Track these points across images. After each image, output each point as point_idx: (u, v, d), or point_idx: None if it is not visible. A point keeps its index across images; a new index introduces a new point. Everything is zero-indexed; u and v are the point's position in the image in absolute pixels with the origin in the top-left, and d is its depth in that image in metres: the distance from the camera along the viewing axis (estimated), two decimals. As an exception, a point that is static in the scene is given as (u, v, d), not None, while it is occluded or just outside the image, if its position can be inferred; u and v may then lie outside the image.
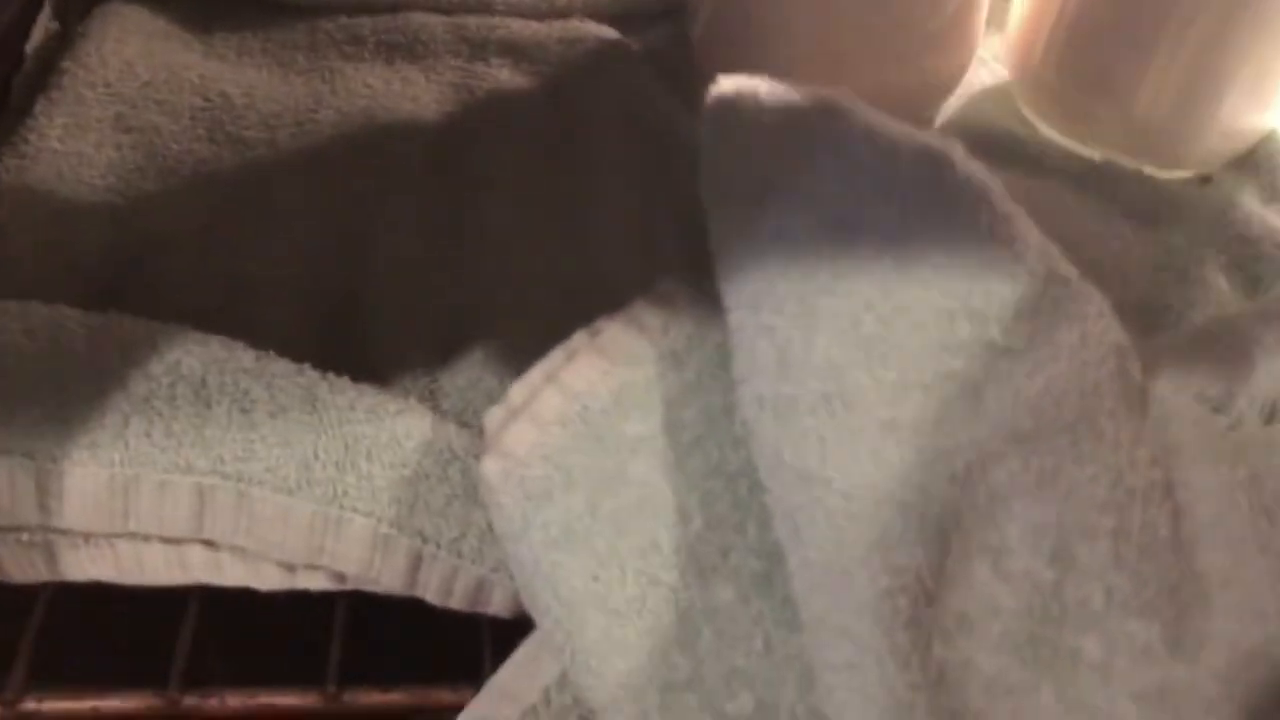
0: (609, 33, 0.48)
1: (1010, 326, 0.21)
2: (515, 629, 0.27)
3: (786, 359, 0.21)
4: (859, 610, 0.20)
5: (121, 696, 0.27)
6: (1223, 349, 0.27)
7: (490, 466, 0.24)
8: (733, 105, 0.25)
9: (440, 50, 0.47)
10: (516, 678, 0.26)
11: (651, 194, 0.41)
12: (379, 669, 0.29)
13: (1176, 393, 0.24)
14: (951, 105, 0.47)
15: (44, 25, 0.45)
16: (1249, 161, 0.44)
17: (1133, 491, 0.21)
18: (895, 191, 0.22)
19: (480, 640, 0.28)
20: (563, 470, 0.23)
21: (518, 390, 0.25)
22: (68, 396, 0.27)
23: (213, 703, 0.27)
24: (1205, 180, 0.43)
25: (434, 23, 0.48)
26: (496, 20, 0.48)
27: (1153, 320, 0.35)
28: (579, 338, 0.25)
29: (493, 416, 0.25)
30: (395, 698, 0.28)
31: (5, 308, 0.29)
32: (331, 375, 0.28)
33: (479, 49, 0.47)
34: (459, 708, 0.27)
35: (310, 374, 0.28)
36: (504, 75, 0.46)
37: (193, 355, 0.28)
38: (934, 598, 0.20)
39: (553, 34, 0.48)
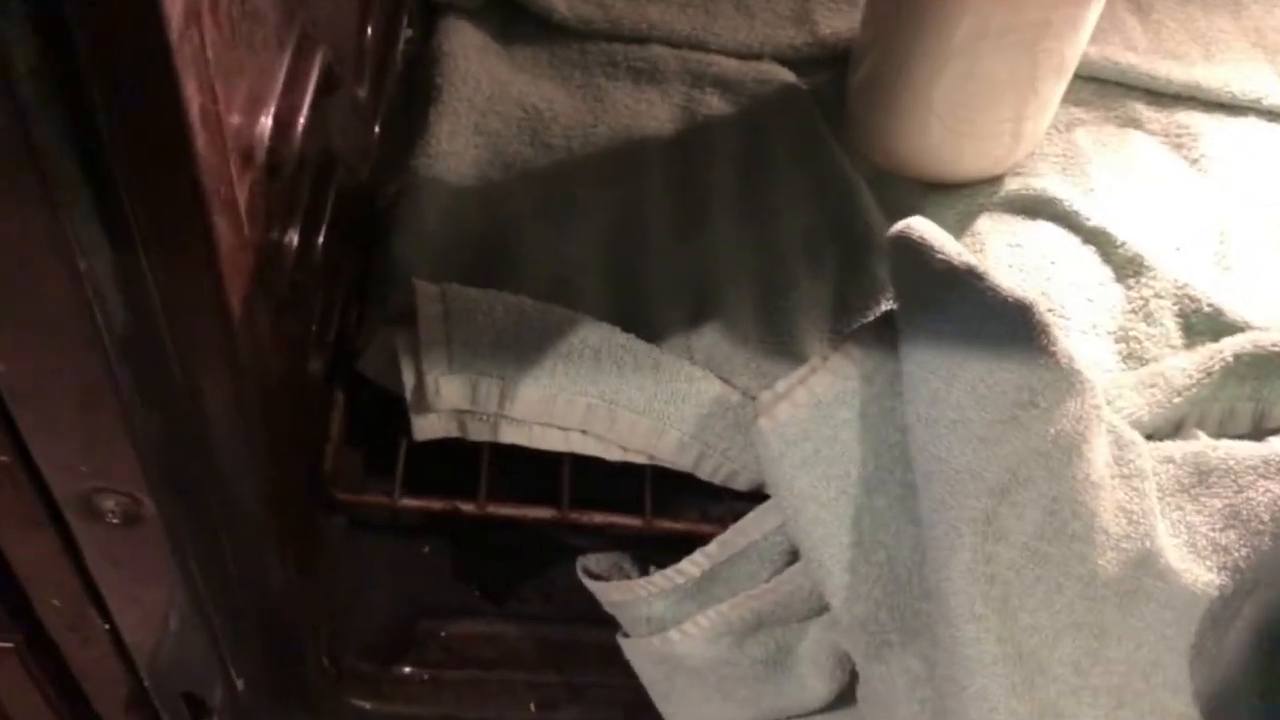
0: (789, 76, 0.67)
1: (1046, 395, 0.43)
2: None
3: (935, 397, 0.43)
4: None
5: (538, 509, 0.50)
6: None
7: (765, 424, 0.46)
8: (913, 242, 0.46)
9: (671, 78, 0.66)
10: (751, 523, 0.49)
11: (814, 212, 0.62)
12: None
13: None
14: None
15: (402, 34, 0.64)
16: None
17: (1096, 484, 0.44)
18: (1004, 318, 0.44)
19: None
20: (804, 432, 0.46)
21: (781, 384, 0.47)
22: (523, 347, 0.49)
23: (587, 517, 0.50)
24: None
25: (667, 55, 0.67)
26: (710, 57, 0.67)
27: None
28: (815, 360, 0.47)
29: (765, 395, 0.47)
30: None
31: (488, 295, 0.50)
32: (664, 353, 0.50)
33: (698, 79, 0.66)
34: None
35: (654, 350, 0.50)
36: (714, 102, 0.66)
37: (590, 331, 0.49)
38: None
39: (748, 72, 0.67)
